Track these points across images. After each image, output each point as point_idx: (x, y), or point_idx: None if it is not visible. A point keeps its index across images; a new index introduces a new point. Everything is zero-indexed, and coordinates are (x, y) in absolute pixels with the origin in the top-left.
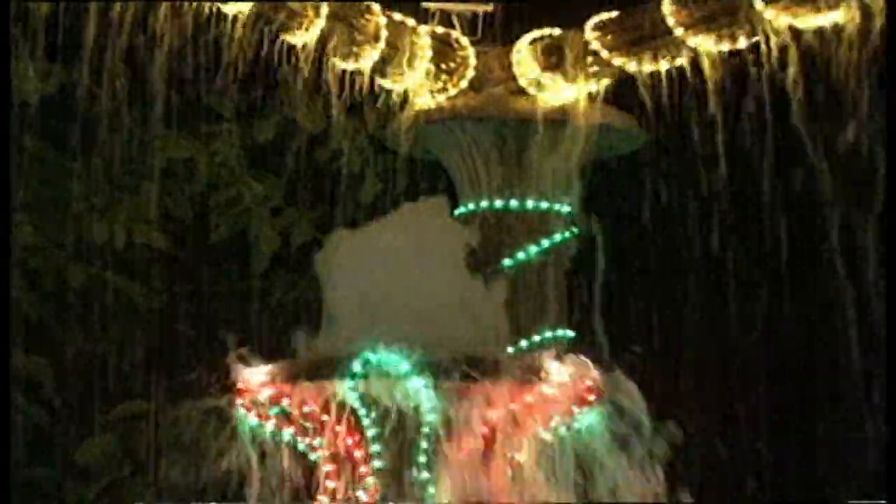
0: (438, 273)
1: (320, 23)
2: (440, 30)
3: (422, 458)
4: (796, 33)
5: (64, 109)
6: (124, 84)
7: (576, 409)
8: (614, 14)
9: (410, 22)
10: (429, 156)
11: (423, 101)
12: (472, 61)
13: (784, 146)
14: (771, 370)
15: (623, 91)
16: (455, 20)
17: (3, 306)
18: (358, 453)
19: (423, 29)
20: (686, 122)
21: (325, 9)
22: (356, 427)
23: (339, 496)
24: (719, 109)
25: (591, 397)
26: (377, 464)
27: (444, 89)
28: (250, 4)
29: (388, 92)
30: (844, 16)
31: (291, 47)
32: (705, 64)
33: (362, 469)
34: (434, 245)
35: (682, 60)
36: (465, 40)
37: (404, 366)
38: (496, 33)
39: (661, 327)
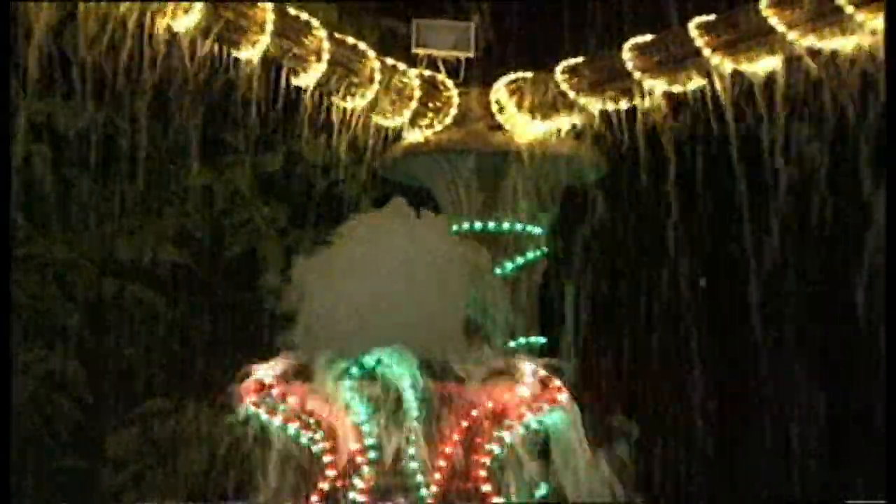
0: (428, 284)
1: (322, 67)
2: (427, 73)
3: (411, 450)
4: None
5: (97, 143)
6: (150, 121)
7: (546, 407)
8: (580, 59)
9: (401, 66)
10: (417, 183)
11: (413, 135)
12: (456, 101)
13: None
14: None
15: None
16: (441, 65)
17: (3, 308)
18: (354, 445)
19: (413, 72)
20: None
21: (326, 54)
22: (353, 422)
23: (338, 483)
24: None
25: (560, 396)
26: (371, 455)
27: (431, 125)
28: (261, 51)
29: (382, 127)
30: (779, 63)
31: (297, 88)
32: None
33: (358, 459)
34: (426, 259)
35: (639, 100)
36: (449, 82)
37: (396, 368)
38: (477, 76)
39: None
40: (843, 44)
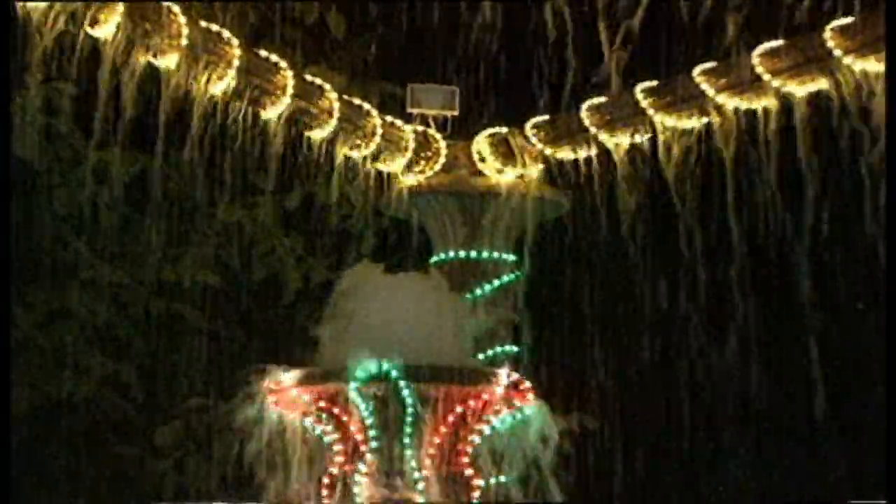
0: (420, 308)
1: (333, 122)
2: (420, 128)
3: (407, 440)
4: None
5: (146, 185)
6: (191, 167)
7: (518, 405)
8: (546, 117)
9: (399, 122)
10: (411, 219)
11: (408, 179)
12: (444, 151)
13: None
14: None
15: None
16: (431, 121)
17: (3, 307)
18: (359, 436)
19: (408, 128)
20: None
21: (336, 113)
22: (358, 417)
23: (345, 468)
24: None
25: (530, 396)
26: (373, 444)
27: (423, 171)
28: (283, 110)
29: (383, 173)
30: (696, 123)
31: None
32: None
33: (362, 448)
34: (420, 292)
35: (595, 150)
36: (438, 136)
37: (394, 372)
38: (462, 130)
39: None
40: (765, 104)
